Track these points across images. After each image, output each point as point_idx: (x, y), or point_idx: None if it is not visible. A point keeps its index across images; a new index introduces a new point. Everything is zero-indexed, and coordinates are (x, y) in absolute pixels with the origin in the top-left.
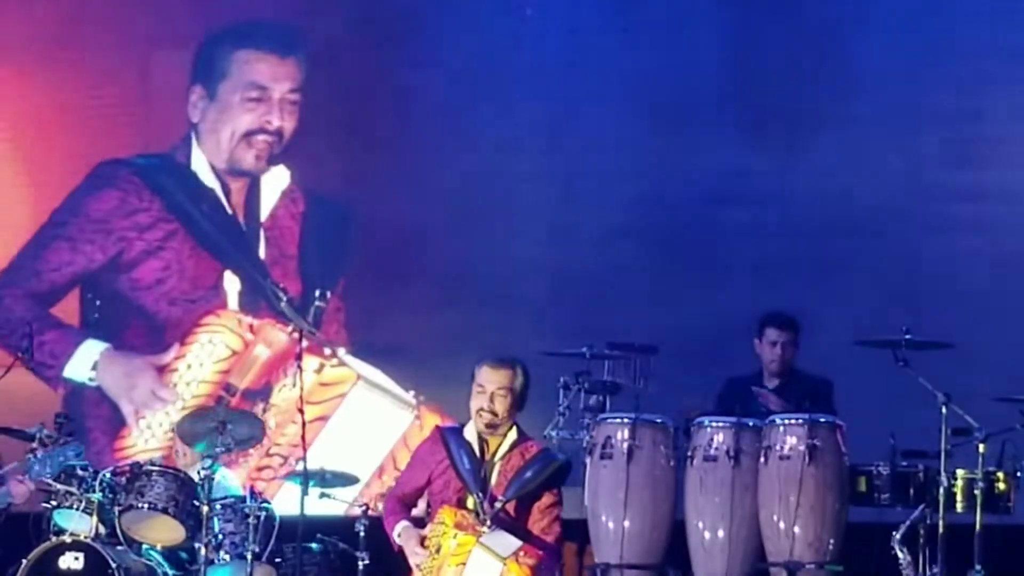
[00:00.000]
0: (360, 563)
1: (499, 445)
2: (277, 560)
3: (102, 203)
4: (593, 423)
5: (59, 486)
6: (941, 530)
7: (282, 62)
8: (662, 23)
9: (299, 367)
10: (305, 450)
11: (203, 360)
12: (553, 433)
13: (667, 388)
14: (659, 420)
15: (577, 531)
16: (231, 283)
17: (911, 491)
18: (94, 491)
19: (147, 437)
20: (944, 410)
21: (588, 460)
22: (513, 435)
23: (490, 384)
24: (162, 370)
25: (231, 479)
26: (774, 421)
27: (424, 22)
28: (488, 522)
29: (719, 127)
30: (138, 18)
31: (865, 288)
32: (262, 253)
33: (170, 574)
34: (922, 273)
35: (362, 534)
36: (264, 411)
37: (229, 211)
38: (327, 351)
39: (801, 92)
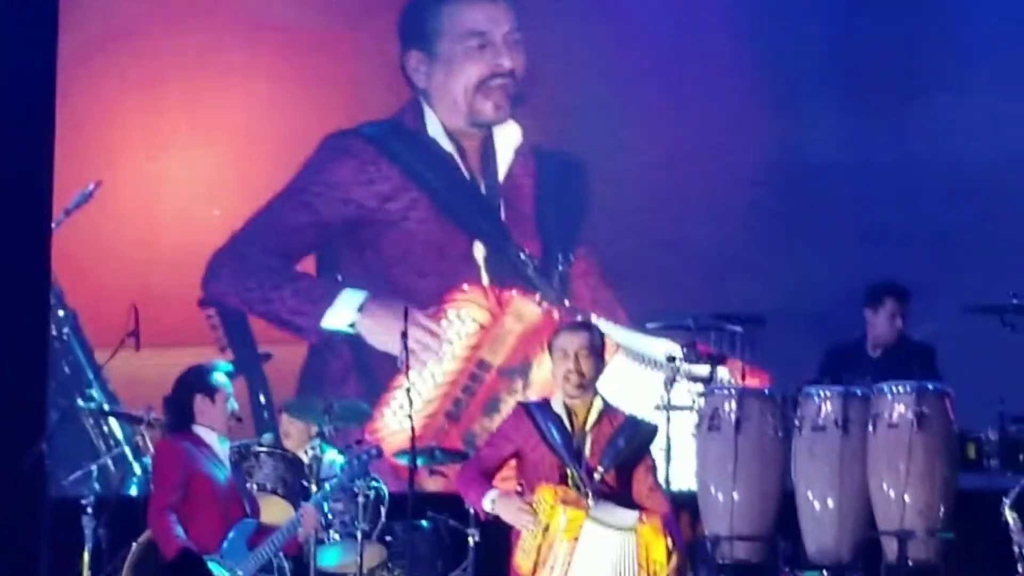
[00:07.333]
0: (471, 539)
1: (587, 414)
2: (387, 538)
3: (338, 171)
4: (700, 395)
5: None
6: None
7: (494, 5)
8: None
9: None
10: (413, 425)
11: (452, 337)
12: (660, 405)
13: (774, 359)
14: (766, 391)
15: (688, 502)
16: (480, 252)
17: (1020, 457)
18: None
19: (400, 418)
20: None
21: (696, 432)
22: (600, 402)
23: (572, 346)
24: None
25: (339, 458)
26: (882, 390)
27: None
28: (591, 495)
29: (827, 95)
30: None
31: (975, 255)
32: (502, 216)
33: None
34: None
35: (472, 511)
36: (525, 388)
37: (467, 175)
38: (579, 318)
39: (910, 59)
